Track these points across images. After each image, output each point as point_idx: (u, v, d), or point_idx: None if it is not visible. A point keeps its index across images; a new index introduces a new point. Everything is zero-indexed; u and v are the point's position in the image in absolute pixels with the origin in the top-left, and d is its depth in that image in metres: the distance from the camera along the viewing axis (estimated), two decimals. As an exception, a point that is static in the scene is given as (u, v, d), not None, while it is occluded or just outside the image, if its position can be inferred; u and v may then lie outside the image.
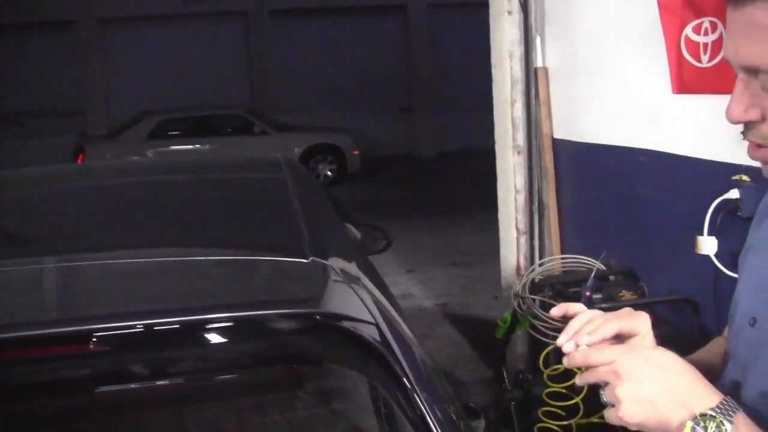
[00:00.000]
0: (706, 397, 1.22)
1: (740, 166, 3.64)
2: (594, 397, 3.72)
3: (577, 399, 3.78)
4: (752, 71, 1.22)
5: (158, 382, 1.56)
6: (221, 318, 1.50)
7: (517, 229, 5.48)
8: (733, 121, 1.27)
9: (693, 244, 3.81)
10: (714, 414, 1.19)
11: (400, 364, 1.61)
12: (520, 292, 4.42)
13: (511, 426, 4.54)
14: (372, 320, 1.64)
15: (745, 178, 3.64)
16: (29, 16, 17.83)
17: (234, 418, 1.55)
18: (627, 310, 1.45)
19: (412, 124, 20.73)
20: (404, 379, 1.60)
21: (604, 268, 4.31)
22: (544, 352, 4.04)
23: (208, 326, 1.50)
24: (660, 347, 1.30)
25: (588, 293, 3.95)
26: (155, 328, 1.50)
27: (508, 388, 4.65)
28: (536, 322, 4.17)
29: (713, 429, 1.18)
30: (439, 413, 1.62)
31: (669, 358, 1.26)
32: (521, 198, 5.45)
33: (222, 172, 3.31)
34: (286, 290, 1.77)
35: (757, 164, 3.56)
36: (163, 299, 1.67)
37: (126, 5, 18.44)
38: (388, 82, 20.42)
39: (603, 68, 4.76)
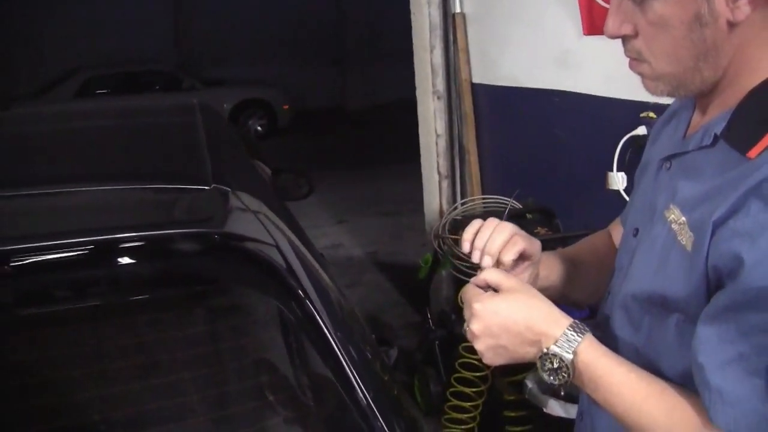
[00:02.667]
0: (550, 331, 1.35)
1: (648, 103, 3.75)
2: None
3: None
4: None
5: (63, 306, 1.61)
6: (116, 239, 1.56)
7: (439, 173, 5.57)
8: (609, 35, 1.36)
9: (604, 180, 3.94)
10: (555, 352, 1.33)
11: (302, 286, 1.68)
12: (440, 232, 4.51)
13: (436, 365, 4.65)
14: (272, 242, 1.71)
15: (652, 115, 3.75)
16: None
17: (134, 336, 1.61)
18: (521, 234, 1.58)
19: (343, 76, 20.71)
20: (306, 300, 1.67)
21: (520, 207, 4.42)
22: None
23: (104, 247, 1.56)
24: (516, 287, 1.42)
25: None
26: (54, 249, 1.55)
27: (432, 328, 4.74)
28: (456, 262, 4.25)
29: (557, 363, 1.33)
30: (341, 334, 1.69)
31: (514, 304, 1.38)
32: (442, 142, 5.53)
33: (138, 116, 3.33)
34: (185, 212, 1.83)
35: (663, 101, 3.69)
36: (61, 223, 1.72)
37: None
38: (319, 34, 20.37)
39: (518, 13, 4.84)
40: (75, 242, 1.54)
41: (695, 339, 1.24)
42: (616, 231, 1.76)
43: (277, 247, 1.71)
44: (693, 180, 1.33)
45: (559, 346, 1.33)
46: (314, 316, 1.66)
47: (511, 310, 1.37)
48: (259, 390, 1.66)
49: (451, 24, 5.28)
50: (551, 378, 1.34)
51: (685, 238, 1.29)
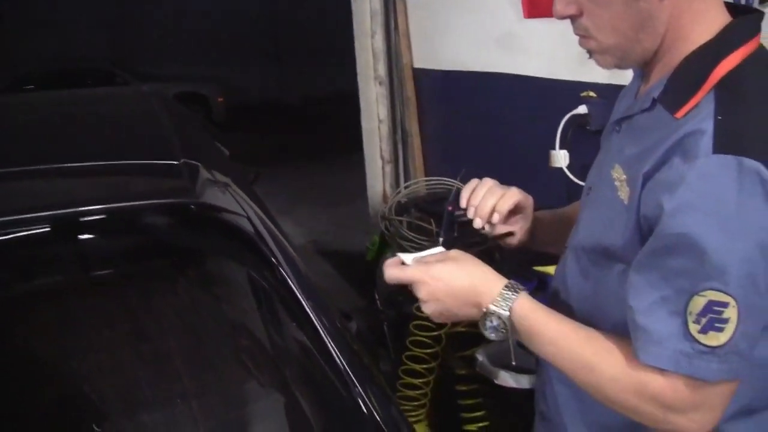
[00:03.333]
0: (488, 292, 1.50)
1: (588, 83, 3.85)
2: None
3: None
4: None
5: (52, 278, 1.63)
6: (97, 210, 1.59)
7: (382, 158, 5.62)
8: (557, 16, 1.49)
9: (547, 158, 4.03)
10: (493, 310, 1.48)
11: (274, 255, 1.73)
12: (386, 214, 4.56)
13: (386, 345, 4.68)
14: (244, 213, 1.76)
15: (592, 94, 3.86)
16: None
17: (120, 307, 1.64)
18: (515, 188, 1.78)
19: (279, 69, 20.61)
20: (279, 268, 1.72)
21: (461, 187, 4.48)
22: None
23: (84, 219, 1.59)
24: (454, 256, 1.55)
25: (450, 208, 4.10)
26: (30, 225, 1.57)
27: (380, 309, 4.78)
28: (404, 243, 4.30)
29: (495, 321, 1.48)
30: (312, 295, 1.75)
31: (455, 271, 1.52)
32: (385, 128, 5.58)
33: (94, 102, 3.31)
34: (160, 185, 1.86)
35: (602, 81, 3.76)
36: (36, 198, 1.74)
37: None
38: (254, 27, 20.21)
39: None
40: (56, 215, 1.57)
41: (628, 284, 1.38)
42: None
43: (249, 218, 1.76)
44: (635, 140, 1.46)
45: (496, 305, 1.47)
46: (288, 284, 1.71)
47: (452, 276, 1.50)
48: (239, 356, 1.71)
49: (392, 9, 5.33)
50: (492, 334, 1.50)
51: (624, 193, 1.42)
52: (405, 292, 4.34)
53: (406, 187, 5.09)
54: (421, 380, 4.14)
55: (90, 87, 15.59)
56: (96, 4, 19.39)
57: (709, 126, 1.29)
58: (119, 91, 4.63)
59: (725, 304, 1.27)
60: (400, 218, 4.46)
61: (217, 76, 17.72)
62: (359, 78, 5.69)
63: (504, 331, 1.48)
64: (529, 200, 1.80)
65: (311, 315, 1.70)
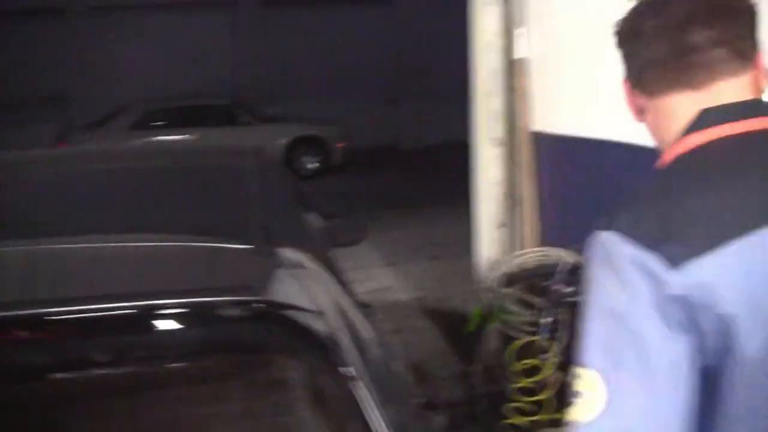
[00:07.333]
0: None
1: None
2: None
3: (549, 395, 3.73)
4: None
5: (99, 371, 1.50)
6: (160, 305, 1.45)
7: (493, 221, 5.39)
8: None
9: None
10: None
11: (344, 356, 1.53)
12: (491, 286, 4.35)
13: (481, 422, 4.47)
14: (316, 309, 1.57)
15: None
16: (18, 3, 17.60)
17: (169, 409, 1.48)
18: None
19: (396, 115, 20.56)
20: (348, 371, 1.52)
21: (571, 262, 4.19)
22: (514, 347, 3.98)
23: (152, 313, 1.46)
24: None
25: (555, 287, 3.84)
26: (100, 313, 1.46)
27: (477, 384, 4.58)
28: (507, 317, 4.09)
29: None
30: (383, 408, 1.53)
31: None
32: (498, 191, 5.35)
33: (188, 161, 3.23)
34: (230, 277, 1.67)
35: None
36: (107, 285, 1.62)
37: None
38: (373, 72, 20.23)
39: (583, 60, 4.66)
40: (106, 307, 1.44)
41: None
42: None
43: (322, 314, 1.57)
44: None
45: None
46: (355, 389, 1.49)
47: None
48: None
49: (511, 70, 5.12)
50: None
51: None
52: (504, 368, 4.11)
53: (514, 258, 4.84)
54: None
55: (214, 126, 15.94)
56: (221, 46, 19.80)
57: None
58: (217, 150, 4.54)
59: None
60: (505, 290, 4.23)
61: (334, 118, 17.80)
62: (474, 137, 5.48)
63: None
64: None
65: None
